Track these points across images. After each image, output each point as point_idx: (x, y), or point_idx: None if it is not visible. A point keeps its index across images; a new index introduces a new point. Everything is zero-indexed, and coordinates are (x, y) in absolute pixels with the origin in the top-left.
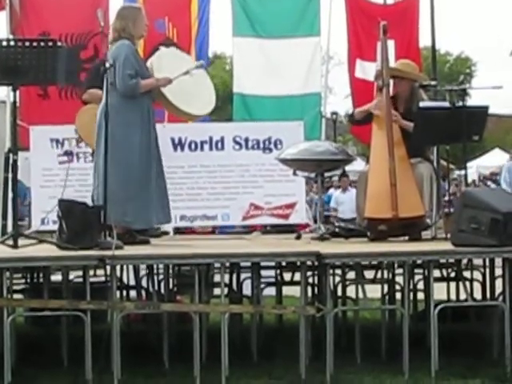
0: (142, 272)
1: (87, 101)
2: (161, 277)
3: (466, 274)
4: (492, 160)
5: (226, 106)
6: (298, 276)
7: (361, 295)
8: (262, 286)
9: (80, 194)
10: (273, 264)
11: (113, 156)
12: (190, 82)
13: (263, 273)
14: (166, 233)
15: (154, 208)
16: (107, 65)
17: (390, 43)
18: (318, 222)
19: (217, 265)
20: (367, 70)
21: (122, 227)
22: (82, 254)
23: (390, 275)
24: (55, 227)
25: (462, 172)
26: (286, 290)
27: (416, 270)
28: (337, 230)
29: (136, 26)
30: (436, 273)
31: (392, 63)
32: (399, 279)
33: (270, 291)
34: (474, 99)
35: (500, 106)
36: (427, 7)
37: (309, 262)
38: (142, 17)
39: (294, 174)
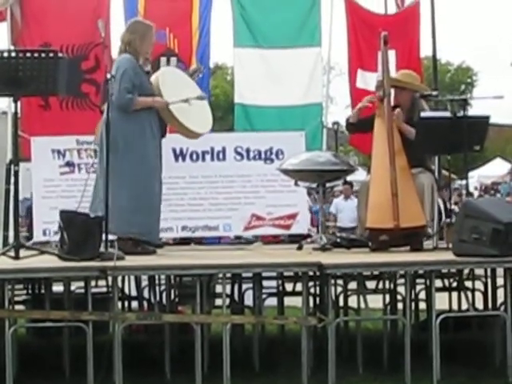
0: (144, 283)
1: None
2: (162, 287)
3: (468, 283)
4: (493, 169)
5: (227, 117)
6: (299, 286)
7: (362, 305)
8: (264, 296)
9: (81, 205)
10: (274, 274)
11: (115, 168)
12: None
13: (265, 283)
14: (168, 243)
15: (157, 221)
16: (108, 76)
17: (391, 53)
18: (319, 233)
19: (218, 275)
20: (368, 81)
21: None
22: (83, 265)
23: (392, 285)
24: (57, 238)
25: (464, 182)
26: (288, 301)
27: (418, 280)
28: (338, 240)
29: (143, 42)
30: (438, 283)
31: (393, 73)
32: (401, 289)
33: (272, 301)
34: (475, 109)
35: (501, 116)
36: (428, 17)
37: (310, 273)
38: (151, 35)
39: (296, 184)
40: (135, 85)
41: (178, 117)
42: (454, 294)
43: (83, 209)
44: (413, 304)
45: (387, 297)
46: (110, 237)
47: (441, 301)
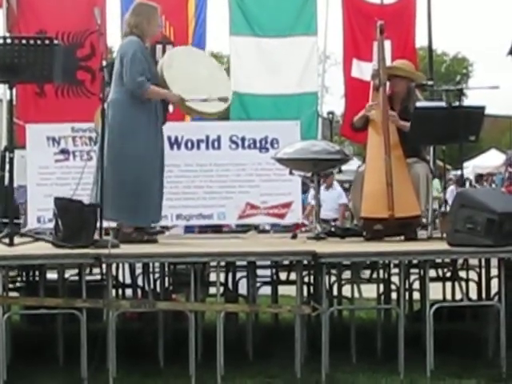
0: (138, 270)
1: None
2: (156, 275)
3: (462, 273)
4: (488, 160)
5: None
6: (293, 275)
7: (356, 295)
8: (258, 285)
9: (76, 192)
10: (269, 263)
11: (118, 152)
12: (203, 79)
13: (259, 272)
14: (163, 232)
15: (153, 206)
16: (104, 63)
17: (387, 43)
18: (314, 222)
19: (213, 263)
20: (364, 70)
21: (130, 225)
22: (77, 253)
23: (386, 275)
24: (51, 225)
25: (458, 172)
26: (282, 290)
27: (412, 270)
28: (333, 229)
29: (150, 24)
30: (432, 273)
31: (388, 63)
32: (395, 279)
33: (266, 290)
34: (470, 99)
35: (497, 107)
36: (424, 7)
37: (305, 262)
38: (157, 16)
39: (291, 173)
40: (144, 68)
41: (194, 107)
42: (448, 284)
43: (78, 196)
44: (407, 294)
45: (381, 286)
46: (105, 224)
47: (435, 291)
